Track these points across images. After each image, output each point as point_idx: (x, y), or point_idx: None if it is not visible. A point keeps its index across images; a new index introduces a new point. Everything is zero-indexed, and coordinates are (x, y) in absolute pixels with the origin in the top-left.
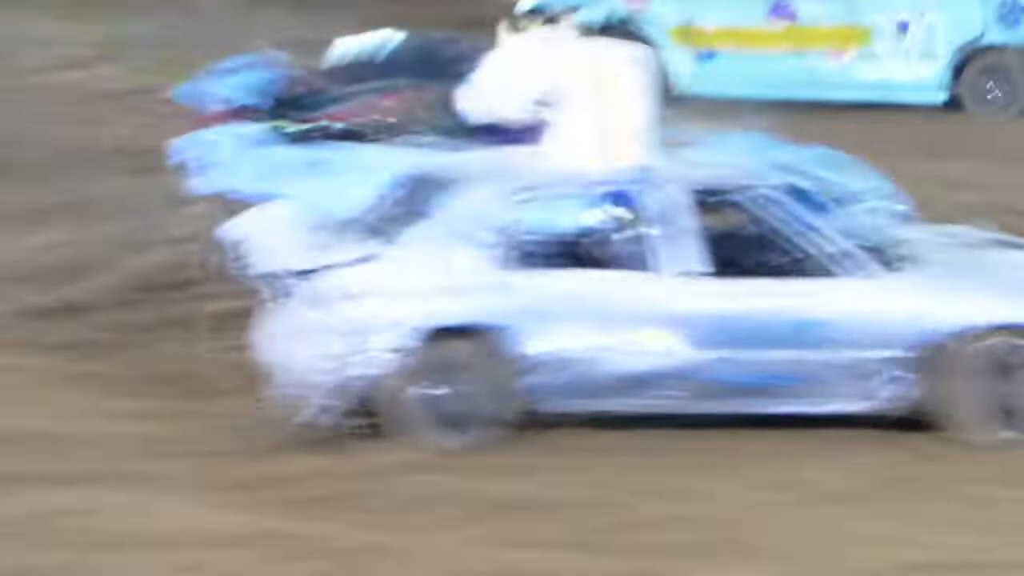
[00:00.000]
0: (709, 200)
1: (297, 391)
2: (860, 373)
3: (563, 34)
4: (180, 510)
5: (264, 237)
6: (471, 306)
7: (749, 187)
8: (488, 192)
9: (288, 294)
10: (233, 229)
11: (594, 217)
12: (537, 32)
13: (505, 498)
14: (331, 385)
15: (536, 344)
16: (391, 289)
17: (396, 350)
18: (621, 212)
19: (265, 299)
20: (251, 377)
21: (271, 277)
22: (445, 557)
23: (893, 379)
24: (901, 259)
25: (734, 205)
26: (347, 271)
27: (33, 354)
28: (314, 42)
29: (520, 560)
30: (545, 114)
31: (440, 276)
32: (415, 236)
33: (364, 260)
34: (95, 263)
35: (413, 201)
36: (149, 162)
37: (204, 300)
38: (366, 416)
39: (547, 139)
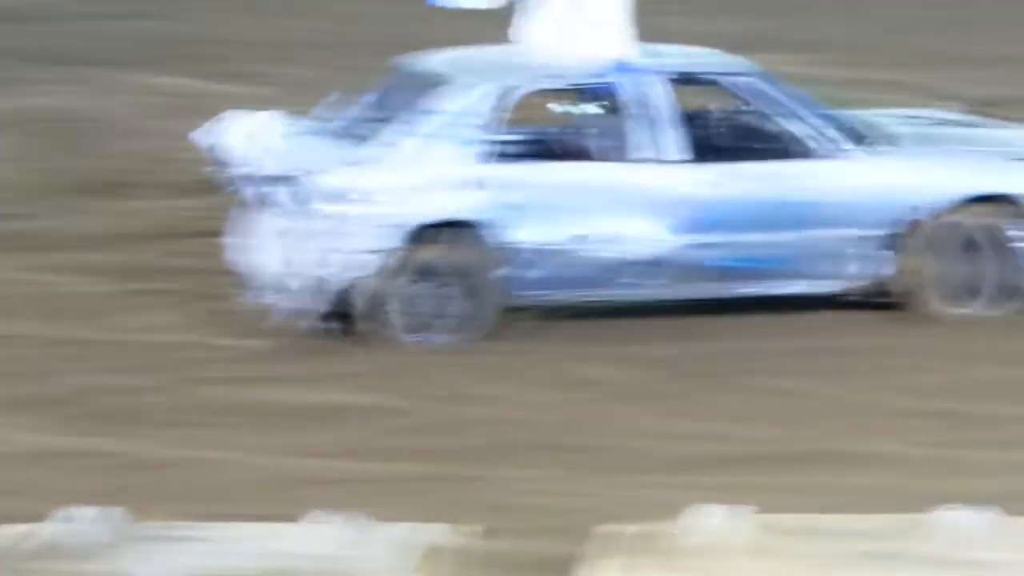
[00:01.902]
0: (686, 86)
1: (276, 292)
2: (836, 252)
3: None
4: None
5: (245, 142)
6: (452, 202)
7: (726, 72)
8: (467, 89)
9: (269, 198)
10: (213, 134)
11: (574, 109)
12: None
13: (290, 406)
14: (311, 286)
15: (517, 237)
16: (373, 189)
17: (378, 251)
18: (600, 103)
19: (245, 202)
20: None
21: (252, 181)
22: (226, 466)
23: (872, 258)
24: (875, 139)
25: (712, 88)
26: (329, 173)
27: None
28: None
29: (297, 468)
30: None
31: (421, 174)
32: (395, 136)
33: (345, 163)
34: None
35: (393, 102)
36: None
37: None
38: (342, 318)
39: (525, 33)
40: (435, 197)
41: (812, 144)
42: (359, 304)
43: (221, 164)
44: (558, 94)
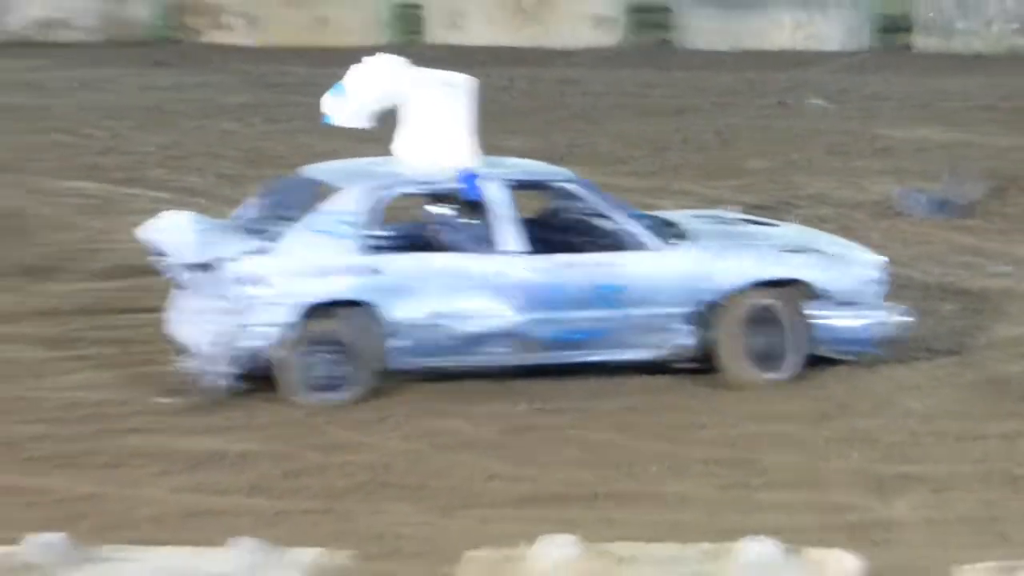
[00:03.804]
0: (522, 191)
1: (199, 359)
2: (650, 327)
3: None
4: None
5: (173, 236)
6: (338, 285)
7: (553, 179)
8: (349, 192)
9: (190, 281)
10: (147, 230)
11: (434, 208)
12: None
13: (201, 452)
14: (225, 355)
15: (392, 314)
16: (278, 275)
17: (279, 324)
18: (453, 203)
19: (179, 285)
20: None
21: (179, 267)
22: (148, 501)
23: (676, 331)
24: (675, 235)
25: (545, 192)
26: (238, 262)
27: None
28: None
29: (216, 503)
30: (395, 123)
31: (311, 262)
32: (292, 231)
33: (251, 252)
34: None
35: (288, 202)
36: None
37: None
38: (251, 379)
39: (397, 145)
40: (324, 281)
41: (624, 238)
42: (264, 368)
43: (157, 254)
44: (420, 196)
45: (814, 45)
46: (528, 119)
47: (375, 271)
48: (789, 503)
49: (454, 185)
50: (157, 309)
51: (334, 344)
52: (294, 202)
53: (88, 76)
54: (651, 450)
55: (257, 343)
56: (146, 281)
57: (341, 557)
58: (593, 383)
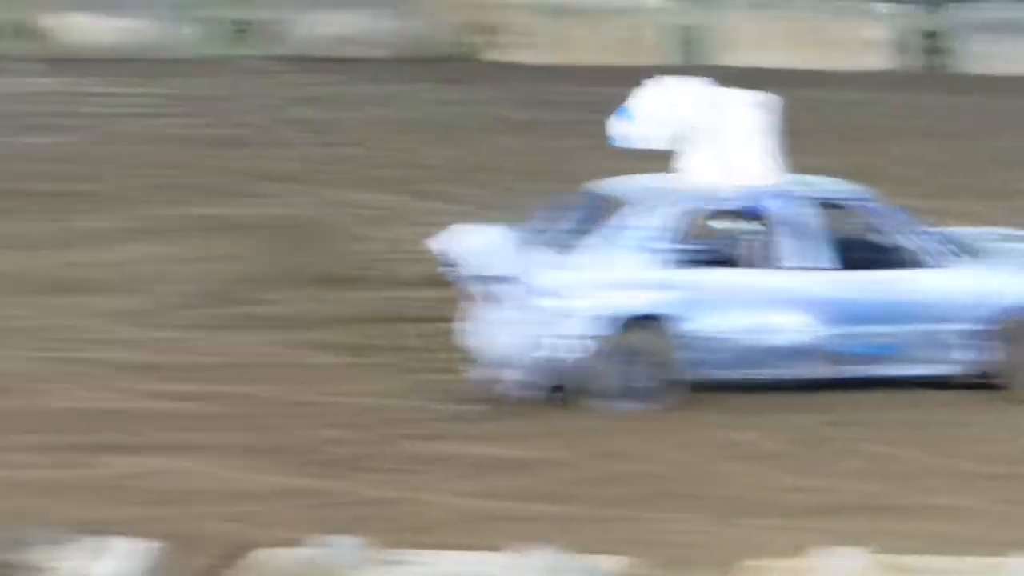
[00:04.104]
0: (823, 208)
1: (504, 369)
2: (941, 342)
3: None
4: (224, 472)
5: (466, 249)
6: (640, 300)
7: (853, 198)
8: (649, 208)
9: (488, 293)
10: (441, 242)
11: (737, 226)
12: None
13: (488, 458)
14: (526, 366)
15: (691, 327)
16: (584, 288)
17: (580, 337)
18: (759, 221)
19: (475, 297)
20: None
21: (473, 280)
22: (433, 506)
23: (966, 347)
24: (968, 252)
25: (846, 211)
26: (540, 275)
27: None
28: None
29: (503, 509)
30: (683, 143)
31: (620, 277)
32: (593, 245)
33: (554, 266)
34: None
35: (587, 217)
36: None
37: None
38: (557, 389)
39: (687, 164)
40: (625, 295)
41: (919, 256)
42: (571, 378)
43: (451, 265)
44: (724, 214)
45: None
46: (811, 139)
47: (675, 286)
48: None
49: (753, 202)
50: (449, 319)
51: (634, 355)
52: (584, 217)
53: (378, 92)
54: (934, 464)
55: (558, 355)
56: (438, 292)
57: (626, 564)
58: (880, 396)
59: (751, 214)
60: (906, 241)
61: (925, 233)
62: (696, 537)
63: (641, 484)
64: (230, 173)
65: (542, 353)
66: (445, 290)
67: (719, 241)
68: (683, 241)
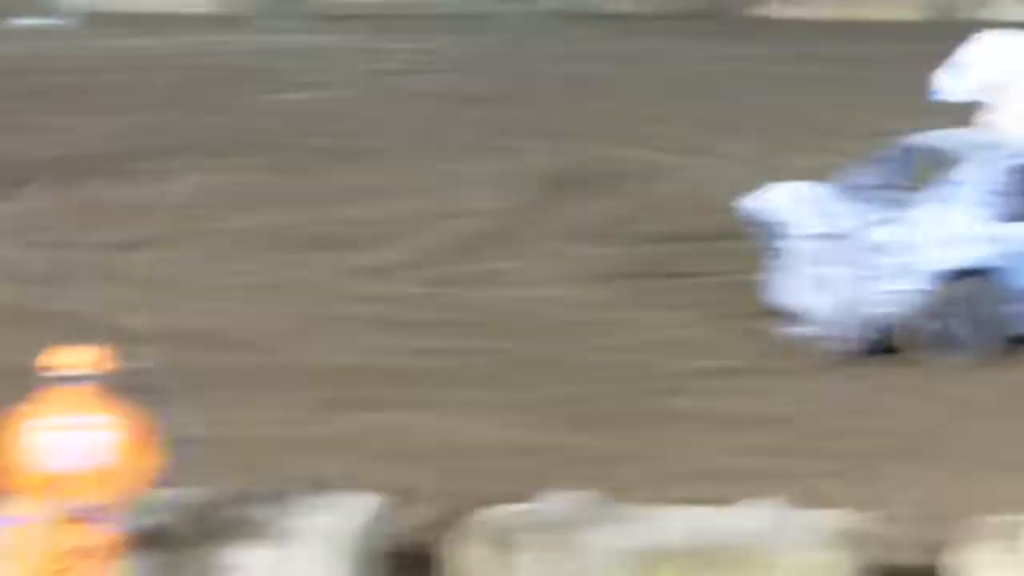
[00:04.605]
0: None
1: (823, 328)
2: None
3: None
4: (470, 427)
5: (791, 207)
6: (972, 254)
7: None
8: (979, 162)
9: (828, 251)
10: (756, 201)
11: None
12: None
13: (746, 414)
14: (856, 321)
15: (1020, 281)
16: (919, 244)
17: (912, 291)
18: None
19: (794, 255)
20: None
21: (801, 238)
22: (684, 460)
23: None
24: None
25: None
26: (873, 231)
27: None
28: None
29: (745, 464)
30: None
31: (946, 232)
32: (926, 201)
33: (886, 222)
34: None
35: (903, 172)
36: None
37: None
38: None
39: (999, 117)
40: (957, 249)
41: None
42: (902, 331)
43: (766, 225)
44: None
45: None
46: None
47: (1006, 240)
48: None
49: None
50: (690, 274)
51: (964, 309)
52: (898, 171)
53: (635, 48)
54: None
55: (890, 309)
56: (675, 247)
57: (860, 520)
58: None
59: None
60: None
61: None
62: (928, 491)
63: (884, 439)
64: (494, 128)
65: (876, 308)
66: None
67: None
68: (1012, 195)
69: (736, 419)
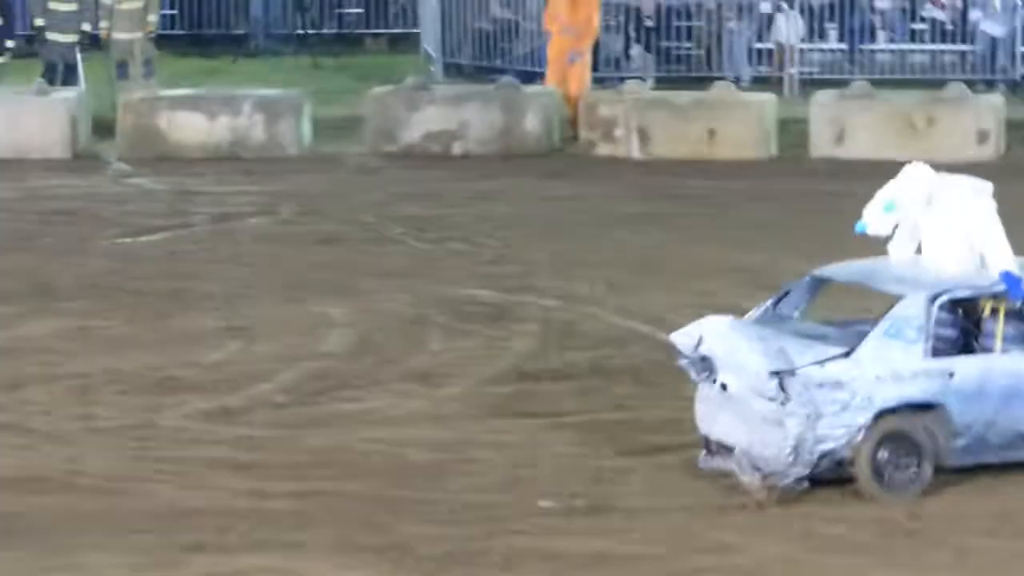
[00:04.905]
0: None
1: (772, 467)
2: None
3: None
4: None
5: (721, 343)
6: (915, 389)
7: None
8: (913, 298)
9: (754, 387)
10: (690, 336)
11: (988, 311)
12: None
13: (587, 554)
14: (807, 459)
15: (960, 415)
16: (856, 380)
17: (857, 427)
18: (998, 305)
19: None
20: None
21: (734, 372)
22: None
23: None
24: None
25: None
26: (814, 368)
27: None
28: None
29: None
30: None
31: (889, 368)
32: (869, 338)
33: (832, 359)
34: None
35: (798, 303)
36: None
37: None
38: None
39: (907, 248)
40: (900, 385)
41: None
42: (844, 469)
43: (696, 358)
44: (969, 300)
45: None
46: None
47: (946, 375)
48: None
49: (997, 287)
50: (543, 414)
51: (908, 444)
52: (810, 302)
53: (483, 187)
54: (1019, 551)
55: (834, 445)
56: (529, 387)
57: None
58: (966, 487)
59: (992, 297)
60: None
61: None
62: None
63: None
64: (343, 269)
65: (815, 445)
66: (536, 385)
67: (971, 328)
68: (946, 329)
69: (583, 559)
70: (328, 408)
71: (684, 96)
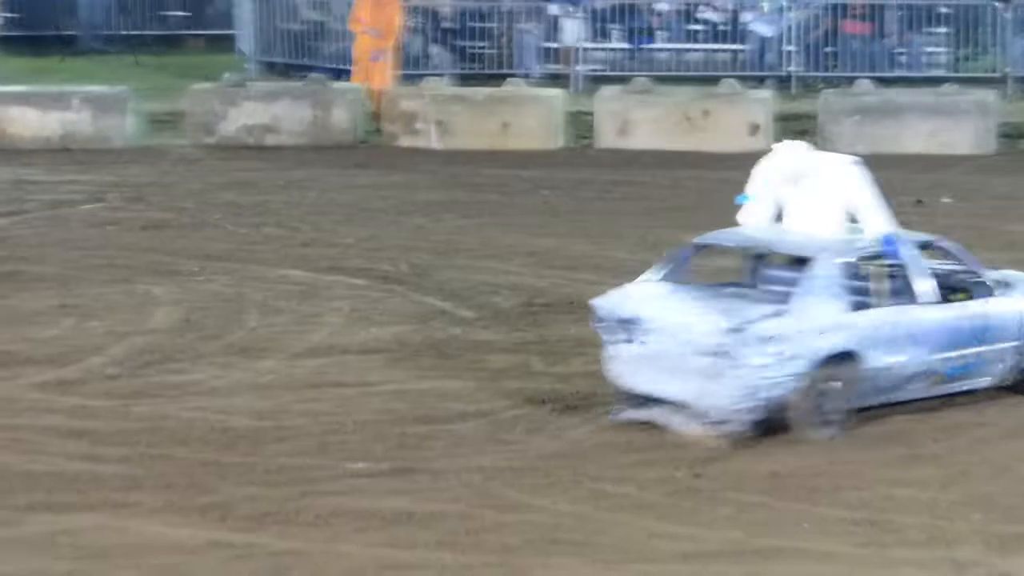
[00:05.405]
0: (924, 250)
1: (715, 416)
2: (997, 358)
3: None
4: (149, 528)
5: (661, 306)
6: (839, 340)
7: (935, 241)
8: (825, 259)
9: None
10: (611, 300)
11: (883, 268)
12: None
13: (393, 512)
14: (753, 406)
15: (870, 362)
16: (788, 334)
17: (796, 375)
18: (889, 263)
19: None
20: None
21: (678, 332)
22: (342, 556)
23: (1009, 361)
24: (1002, 285)
25: (936, 251)
26: (758, 325)
27: None
28: None
29: (397, 557)
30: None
31: (819, 322)
32: (799, 296)
33: (771, 316)
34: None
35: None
36: None
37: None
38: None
39: (760, 219)
40: (827, 336)
41: (981, 287)
42: (779, 412)
43: (620, 321)
44: (867, 259)
45: (946, 150)
46: (698, 214)
47: (859, 326)
48: (920, 559)
49: (879, 248)
50: (352, 384)
51: (835, 390)
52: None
53: (295, 176)
54: (797, 510)
55: (778, 392)
56: (340, 359)
57: None
58: (745, 451)
59: (876, 258)
60: (972, 276)
61: (982, 268)
62: None
63: (530, 532)
64: (169, 252)
65: (767, 392)
66: (348, 357)
67: (873, 283)
68: (857, 285)
69: (389, 516)
70: (156, 380)
71: (480, 92)
